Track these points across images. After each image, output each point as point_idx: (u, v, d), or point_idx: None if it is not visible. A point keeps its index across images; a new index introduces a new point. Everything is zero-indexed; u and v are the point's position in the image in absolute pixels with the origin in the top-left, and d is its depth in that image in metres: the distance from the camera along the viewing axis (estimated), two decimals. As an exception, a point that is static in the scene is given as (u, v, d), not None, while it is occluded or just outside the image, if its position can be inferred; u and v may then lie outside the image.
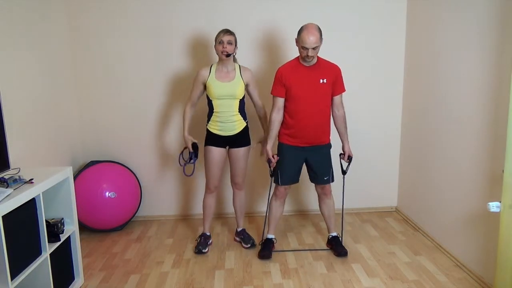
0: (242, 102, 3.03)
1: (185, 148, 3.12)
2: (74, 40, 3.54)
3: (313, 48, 2.72)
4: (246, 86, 3.04)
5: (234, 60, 3.03)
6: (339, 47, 3.65)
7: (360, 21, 3.65)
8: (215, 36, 2.93)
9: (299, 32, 2.76)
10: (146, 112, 3.69)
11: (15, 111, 2.65)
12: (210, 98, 2.99)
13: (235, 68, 2.99)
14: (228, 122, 2.99)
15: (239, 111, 3.01)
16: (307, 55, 2.74)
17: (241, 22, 3.56)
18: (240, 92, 2.97)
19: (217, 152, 3.04)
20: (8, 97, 2.56)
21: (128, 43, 3.57)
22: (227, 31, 2.90)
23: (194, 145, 3.07)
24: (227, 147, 3.09)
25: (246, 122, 3.09)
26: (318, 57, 2.88)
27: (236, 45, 2.95)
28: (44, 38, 3.08)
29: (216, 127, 3.01)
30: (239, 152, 3.08)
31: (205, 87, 3.01)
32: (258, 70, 3.64)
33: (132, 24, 3.54)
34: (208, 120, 3.05)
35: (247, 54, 3.59)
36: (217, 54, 2.95)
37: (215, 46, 2.93)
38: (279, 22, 3.60)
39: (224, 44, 2.87)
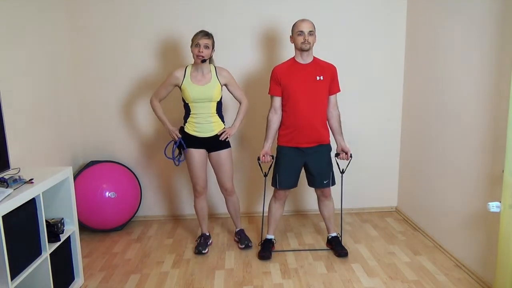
0: (219, 103, 2.97)
1: (170, 141, 3.08)
2: (74, 40, 3.54)
3: (309, 33, 2.76)
4: (225, 86, 2.97)
5: (210, 61, 2.94)
6: (339, 48, 3.66)
7: (360, 22, 3.65)
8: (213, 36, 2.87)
9: (293, 26, 2.84)
10: (147, 112, 3.69)
11: (15, 111, 2.65)
12: (186, 102, 2.93)
13: (210, 70, 2.91)
14: (206, 123, 2.93)
15: (216, 112, 2.96)
16: (304, 41, 2.75)
17: (240, 21, 3.56)
18: (217, 95, 2.90)
19: (197, 154, 2.97)
20: (8, 97, 2.56)
21: (129, 43, 3.57)
22: (204, 34, 2.80)
23: (181, 131, 3.00)
24: (207, 153, 3.03)
25: (224, 125, 3.03)
26: (314, 56, 2.89)
27: (213, 48, 2.86)
28: (44, 38, 3.08)
29: (193, 128, 2.95)
30: (220, 155, 3.00)
31: (176, 88, 2.95)
32: (255, 69, 3.64)
33: (134, 24, 3.54)
34: (185, 122, 2.99)
35: (245, 54, 3.60)
36: (193, 56, 2.85)
37: (191, 47, 2.84)
38: (277, 23, 3.60)
39: (201, 47, 2.77)
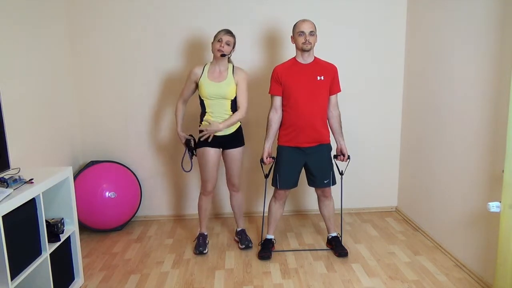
0: (234, 102, 2.96)
1: (184, 153, 3.15)
2: (74, 40, 3.54)
3: (310, 34, 2.76)
4: (236, 85, 2.95)
5: (229, 60, 3.00)
6: (339, 48, 3.66)
7: (360, 23, 3.65)
8: (213, 35, 2.89)
9: (293, 26, 2.84)
10: (146, 112, 3.69)
11: (15, 111, 2.65)
12: (202, 98, 2.95)
13: (227, 68, 2.95)
14: (222, 121, 2.93)
15: (231, 111, 2.95)
16: (305, 41, 2.76)
17: (240, 21, 3.56)
18: (231, 93, 2.91)
19: (212, 152, 2.98)
20: (8, 97, 2.56)
21: (127, 44, 3.57)
22: (228, 32, 2.88)
23: (188, 141, 3.05)
24: (221, 149, 3.05)
25: (240, 123, 3.06)
26: (315, 56, 2.89)
27: (233, 48, 2.93)
28: (44, 38, 3.08)
29: None
30: (234, 152, 3.04)
31: (197, 85, 2.98)
32: (256, 69, 3.64)
33: (132, 24, 3.55)
34: (201, 120, 2.99)
35: (247, 53, 3.60)
36: (212, 52, 2.90)
37: (212, 43, 2.90)
38: (278, 23, 3.60)
39: (222, 43, 2.84)
